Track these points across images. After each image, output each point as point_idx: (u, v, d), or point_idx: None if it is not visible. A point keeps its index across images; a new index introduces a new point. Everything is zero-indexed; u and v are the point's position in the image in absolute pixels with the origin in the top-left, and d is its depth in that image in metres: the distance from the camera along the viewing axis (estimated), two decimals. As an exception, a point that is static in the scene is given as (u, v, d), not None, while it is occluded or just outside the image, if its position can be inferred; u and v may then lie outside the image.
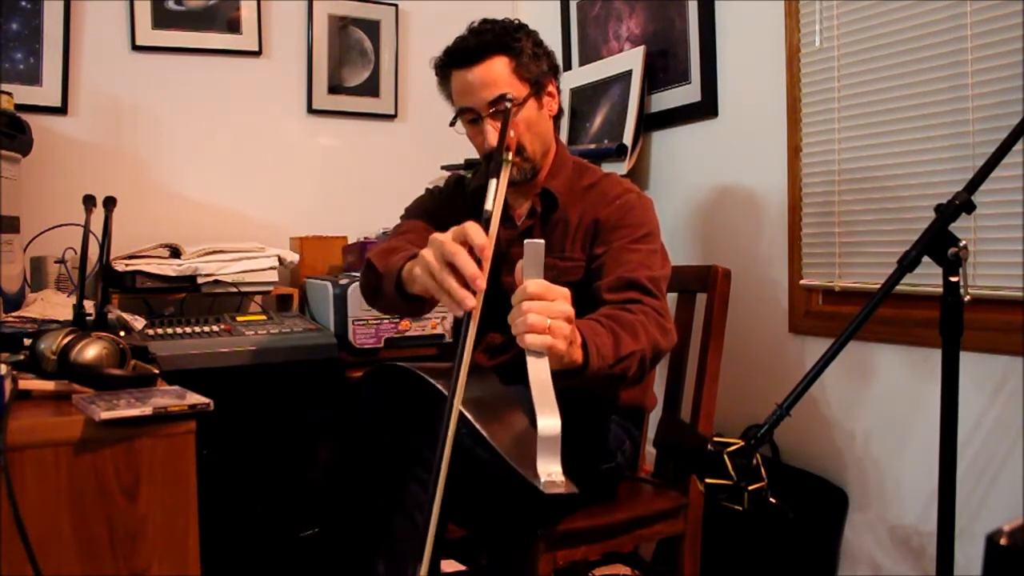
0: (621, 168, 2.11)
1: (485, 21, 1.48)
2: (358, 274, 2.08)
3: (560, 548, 1.40)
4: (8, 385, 1.04)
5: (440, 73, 1.51)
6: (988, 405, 1.43)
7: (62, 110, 2.17)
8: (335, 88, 2.54)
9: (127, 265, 1.97)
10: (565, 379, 1.09)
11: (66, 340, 1.15)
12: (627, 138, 2.14)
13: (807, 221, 1.78)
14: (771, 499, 1.05)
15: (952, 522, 1.15)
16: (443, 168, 2.27)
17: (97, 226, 1.40)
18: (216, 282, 2.05)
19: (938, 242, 1.11)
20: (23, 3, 2.12)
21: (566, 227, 1.49)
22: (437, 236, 1.09)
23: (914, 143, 1.55)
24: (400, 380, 1.32)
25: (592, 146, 2.22)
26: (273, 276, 2.14)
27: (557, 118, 1.57)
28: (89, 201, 1.39)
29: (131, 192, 2.14)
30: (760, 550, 1.71)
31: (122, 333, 1.34)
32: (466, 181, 1.65)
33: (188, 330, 1.90)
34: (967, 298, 1.12)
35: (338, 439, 1.46)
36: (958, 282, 1.12)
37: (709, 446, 1.08)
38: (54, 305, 1.63)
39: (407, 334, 2.06)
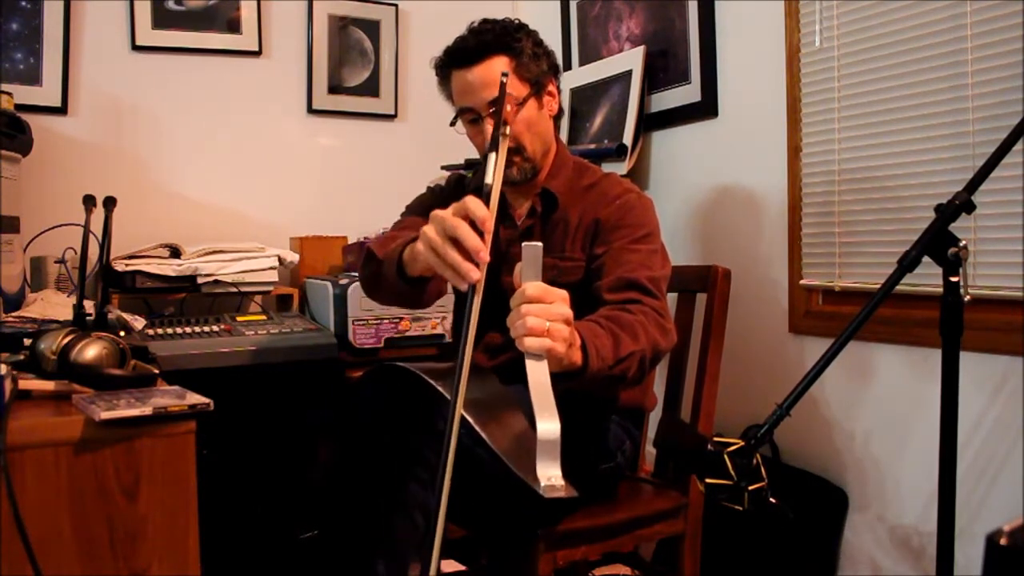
0: (621, 168, 2.11)
1: (485, 21, 1.48)
2: (358, 274, 2.08)
3: (560, 548, 1.40)
4: (8, 385, 1.04)
5: (440, 73, 1.51)
6: (988, 405, 1.43)
7: (62, 110, 2.18)
8: (335, 88, 2.54)
9: (127, 265, 1.97)
10: (565, 381, 1.09)
11: (66, 340, 1.15)
12: (627, 138, 2.14)
13: (807, 221, 1.78)
14: (771, 499, 1.05)
15: (952, 522, 1.15)
16: (443, 168, 2.27)
17: (97, 226, 1.40)
18: (216, 282, 2.05)
19: (938, 242, 1.11)
20: (23, 3, 2.12)
21: (566, 227, 1.49)
22: (438, 212, 1.08)
23: (914, 143, 1.55)
24: (400, 380, 1.32)
25: (592, 146, 2.22)
26: (273, 276, 2.14)
27: (557, 118, 1.57)
28: (89, 201, 1.39)
29: (131, 192, 2.14)
30: (760, 550, 1.71)
31: (122, 333, 1.34)
32: (466, 180, 1.65)
33: (188, 330, 1.90)
34: (967, 298, 1.12)
35: (338, 439, 1.45)
36: (958, 282, 1.12)
37: (709, 446, 1.08)
38: (54, 305, 1.63)
39: (407, 334, 2.06)
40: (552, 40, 1.74)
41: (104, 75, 2.23)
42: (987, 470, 1.43)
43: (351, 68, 2.57)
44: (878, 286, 1.14)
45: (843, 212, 1.69)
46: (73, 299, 1.47)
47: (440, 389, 1.18)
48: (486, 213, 1.04)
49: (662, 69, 2.16)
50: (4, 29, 2.10)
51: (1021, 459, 1.38)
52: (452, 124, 1.53)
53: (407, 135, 2.64)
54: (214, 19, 2.35)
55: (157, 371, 1.25)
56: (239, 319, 2.02)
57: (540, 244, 1.00)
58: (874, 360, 1.64)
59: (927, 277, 1.18)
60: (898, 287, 1.14)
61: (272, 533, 1.91)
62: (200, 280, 2.03)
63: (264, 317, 2.06)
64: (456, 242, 1.04)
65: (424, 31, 2.65)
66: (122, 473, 1.03)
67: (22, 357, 1.19)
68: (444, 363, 1.40)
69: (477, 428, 1.10)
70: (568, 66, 2.53)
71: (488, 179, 1.07)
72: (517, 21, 1.50)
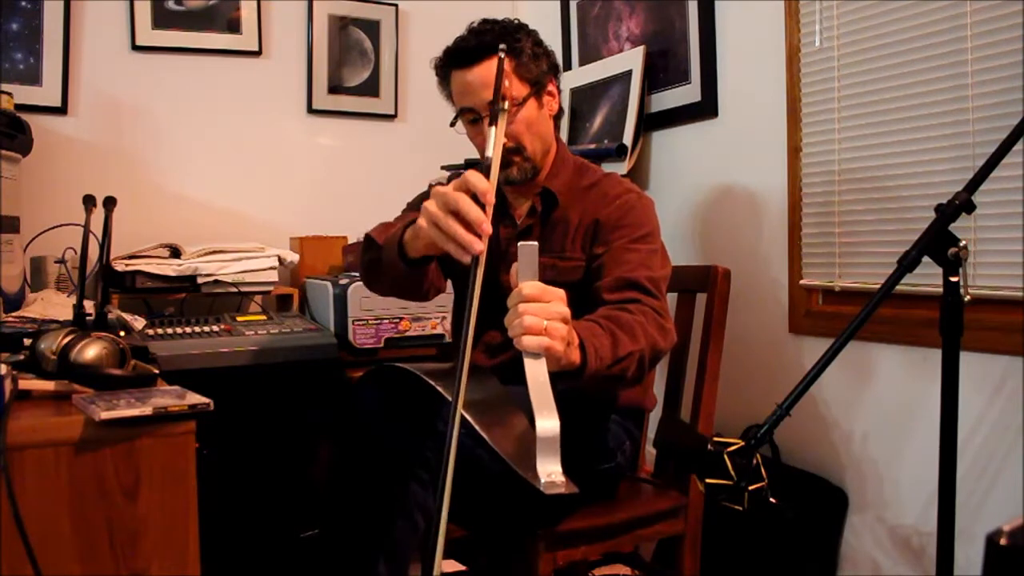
0: (621, 168, 2.11)
1: (485, 21, 1.48)
2: (358, 274, 2.08)
3: (560, 548, 1.40)
4: (8, 385, 1.04)
5: (440, 73, 1.51)
6: (988, 405, 1.43)
7: (62, 110, 2.18)
8: (335, 88, 2.54)
9: (127, 265, 1.97)
10: (563, 380, 1.09)
11: (66, 340, 1.15)
12: (627, 138, 2.14)
13: (807, 221, 1.78)
14: (771, 499, 1.05)
15: (952, 522, 1.15)
16: (443, 168, 2.27)
17: (97, 226, 1.39)
18: (216, 282, 2.05)
19: (938, 242, 1.11)
20: (23, 3, 2.12)
21: (566, 227, 1.49)
22: (439, 188, 1.09)
23: (914, 143, 1.55)
24: (400, 381, 1.32)
25: (592, 146, 2.22)
26: (273, 276, 2.14)
27: (558, 118, 1.57)
28: (89, 201, 1.38)
29: (131, 192, 2.14)
30: (760, 550, 1.71)
31: (122, 333, 1.34)
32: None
33: (188, 330, 1.90)
34: (967, 298, 1.12)
35: (338, 439, 1.45)
36: (958, 282, 1.12)
37: (709, 446, 1.08)
38: (54, 305, 1.62)
39: (407, 334, 2.06)
40: (552, 40, 1.74)
41: (104, 75, 2.23)
42: (987, 470, 1.43)
43: (351, 68, 2.57)
44: (878, 286, 1.14)
45: (843, 212, 1.69)
46: (73, 299, 1.47)
47: (440, 390, 1.18)
48: (487, 185, 1.04)
49: (662, 69, 2.16)
50: (4, 29, 2.10)
51: (1021, 459, 1.38)
52: (452, 124, 1.53)
53: (407, 135, 2.64)
54: (214, 19, 2.35)
55: (157, 371, 1.25)
56: (239, 319, 2.02)
57: (536, 243, 1.01)
58: (874, 360, 1.64)
59: (927, 277, 1.18)
60: (898, 287, 1.14)
61: (272, 533, 1.91)
62: (200, 280, 2.03)
63: (264, 317, 2.06)
64: (458, 216, 1.05)
65: (424, 31, 2.65)
66: (122, 473, 1.03)
67: (22, 357, 1.18)
68: (444, 363, 1.40)
69: (478, 428, 1.10)
70: (568, 66, 2.53)
71: (488, 152, 1.07)
72: (517, 21, 1.50)
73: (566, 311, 1.04)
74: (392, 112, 2.62)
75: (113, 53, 2.25)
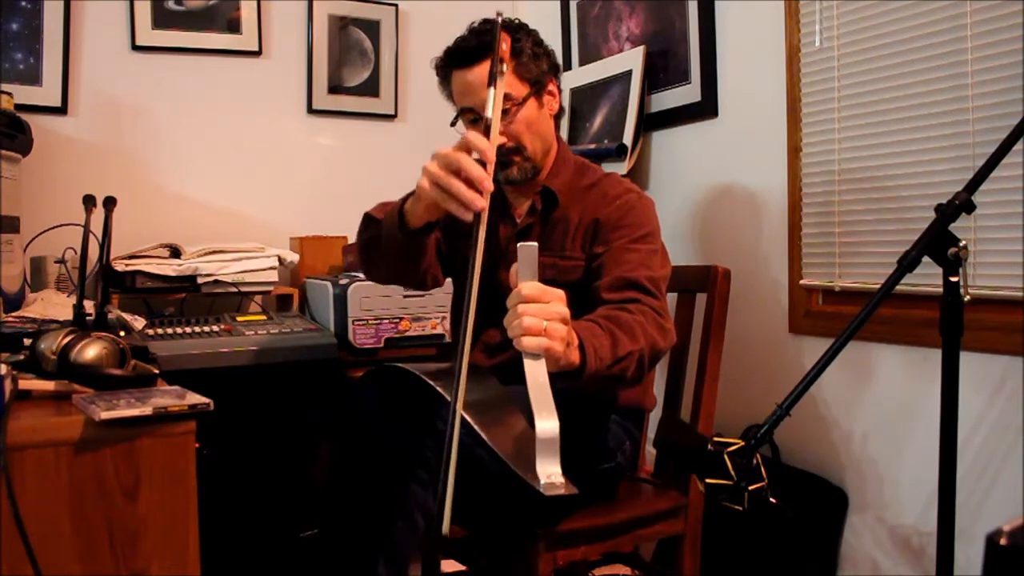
0: (621, 168, 2.11)
1: (485, 21, 1.47)
2: (358, 274, 2.08)
3: (560, 548, 1.40)
4: (8, 385, 1.04)
5: (441, 73, 1.51)
6: (988, 405, 1.43)
7: (62, 110, 2.18)
8: (335, 88, 2.54)
9: (127, 265, 1.97)
10: (563, 381, 1.09)
11: (66, 340, 1.15)
12: (627, 138, 2.14)
13: (807, 221, 1.78)
14: (771, 499, 1.05)
15: (952, 522, 1.15)
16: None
17: (97, 226, 1.39)
18: (216, 282, 2.05)
19: (938, 242, 1.11)
20: (23, 3, 2.12)
21: (566, 226, 1.49)
22: (440, 150, 1.11)
23: (914, 143, 1.54)
24: (399, 380, 1.32)
25: (592, 146, 2.22)
26: (273, 276, 2.14)
27: (558, 117, 1.57)
28: (89, 201, 1.38)
29: (131, 192, 2.14)
30: (760, 550, 1.71)
31: (122, 333, 1.34)
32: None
33: (188, 330, 1.90)
34: (967, 298, 1.12)
35: (338, 439, 1.46)
36: (958, 282, 1.12)
37: (709, 446, 1.08)
38: (54, 305, 1.62)
39: (407, 334, 2.06)
40: (552, 40, 1.74)
41: (104, 75, 2.23)
42: (987, 470, 1.43)
43: (351, 68, 2.57)
44: (878, 286, 1.14)
45: (843, 212, 1.69)
46: (73, 299, 1.47)
47: (440, 390, 1.18)
48: (487, 144, 1.06)
49: (662, 69, 2.16)
50: (4, 29, 2.10)
51: (1021, 459, 1.38)
52: (453, 124, 1.53)
53: (407, 135, 2.64)
54: (214, 19, 2.35)
55: (157, 371, 1.25)
56: (239, 319, 2.02)
57: (535, 244, 1.01)
58: (874, 360, 1.64)
59: (927, 277, 1.18)
60: (898, 287, 1.14)
61: (272, 533, 1.91)
62: (200, 280, 2.03)
63: (264, 317, 2.06)
64: (459, 175, 1.07)
65: (424, 31, 2.65)
66: (122, 473, 1.03)
67: (22, 357, 1.19)
68: (443, 363, 1.40)
69: (477, 428, 1.10)
70: (568, 66, 2.53)
71: (487, 112, 1.07)
72: (517, 21, 1.50)
73: (565, 312, 1.04)
74: (392, 112, 2.62)
75: (113, 53, 2.25)
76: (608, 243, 1.43)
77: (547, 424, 0.93)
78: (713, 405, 1.61)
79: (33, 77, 2.14)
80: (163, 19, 2.29)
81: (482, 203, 1.04)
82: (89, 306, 1.47)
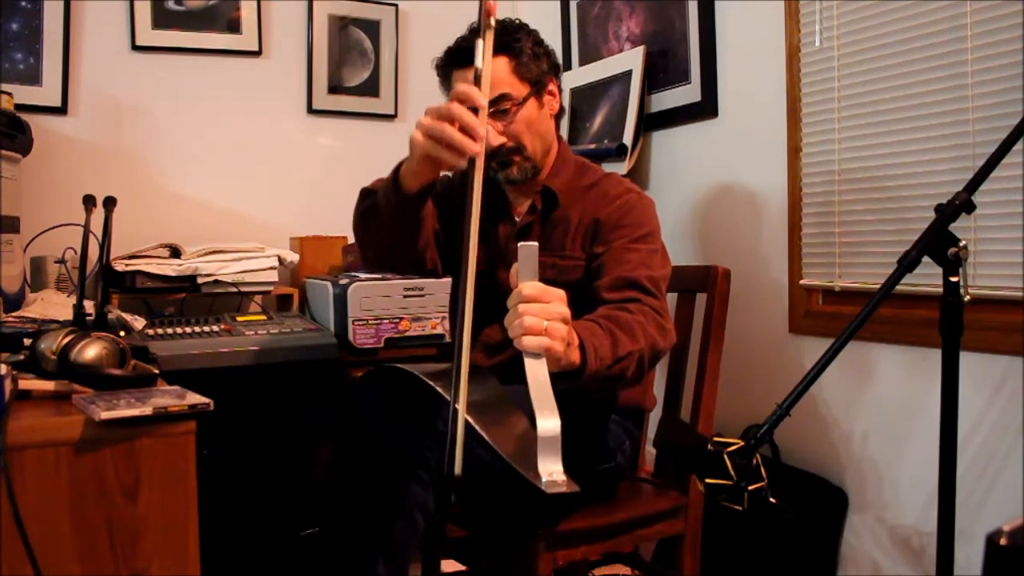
0: (621, 168, 2.11)
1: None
2: (358, 274, 2.08)
3: (560, 548, 1.40)
4: (8, 385, 1.04)
5: (441, 73, 1.51)
6: (988, 405, 1.43)
7: (62, 110, 2.17)
8: (335, 88, 2.54)
9: (127, 265, 1.97)
10: (563, 381, 1.09)
11: (66, 340, 1.15)
12: (627, 138, 2.14)
13: (807, 221, 1.78)
14: (771, 499, 1.05)
15: (952, 522, 1.15)
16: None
17: (97, 226, 1.40)
18: (216, 282, 2.05)
19: (938, 242, 1.11)
20: (23, 3, 2.12)
21: (566, 226, 1.49)
22: (432, 105, 1.14)
23: (914, 143, 1.55)
24: (399, 380, 1.32)
25: (592, 146, 2.22)
26: (273, 276, 2.14)
27: (558, 117, 1.57)
28: (89, 201, 1.39)
29: (131, 192, 2.14)
30: (760, 550, 1.71)
31: (122, 333, 1.34)
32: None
33: (188, 330, 1.90)
34: (967, 298, 1.12)
35: (338, 439, 1.46)
36: (958, 282, 1.12)
37: (709, 446, 1.08)
38: (54, 305, 1.62)
39: (407, 334, 2.05)
40: (552, 40, 1.74)
41: (104, 75, 2.23)
42: (987, 470, 1.43)
43: (351, 68, 2.57)
44: (878, 286, 1.14)
45: (843, 212, 1.69)
46: (73, 299, 1.47)
47: (439, 390, 1.18)
48: (478, 93, 1.07)
49: (662, 69, 2.16)
50: (4, 29, 2.10)
51: (1021, 459, 1.38)
52: (453, 124, 1.53)
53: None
54: (214, 19, 2.35)
55: (157, 371, 1.25)
56: (239, 319, 2.02)
57: (535, 244, 1.01)
58: (874, 360, 1.64)
59: (927, 277, 1.18)
60: (898, 287, 1.14)
61: (273, 532, 1.91)
62: (200, 280, 2.03)
63: (264, 317, 2.06)
64: (452, 123, 1.10)
65: (424, 31, 2.65)
66: (122, 473, 1.03)
67: (22, 357, 1.18)
68: (443, 363, 1.40)
69: (478, 428, 1.10)
70: (568, 66, 2.53)
71: (477, 63, 1.07)
72: (517, 21, 1.50)
73: (566, 311, 1.05)
74: (392, 112, 2.62)
75: (113, 53, 2.25)
76: (608, 243, 1.43)
77: (548, 422, 0.93)
78: (713, 405, 1.61)
79: (33, 77, 2.14)
80: (163, 19, 2.29)
81: (475, 147, 1.05)
82: (89, 306, 1.47)
